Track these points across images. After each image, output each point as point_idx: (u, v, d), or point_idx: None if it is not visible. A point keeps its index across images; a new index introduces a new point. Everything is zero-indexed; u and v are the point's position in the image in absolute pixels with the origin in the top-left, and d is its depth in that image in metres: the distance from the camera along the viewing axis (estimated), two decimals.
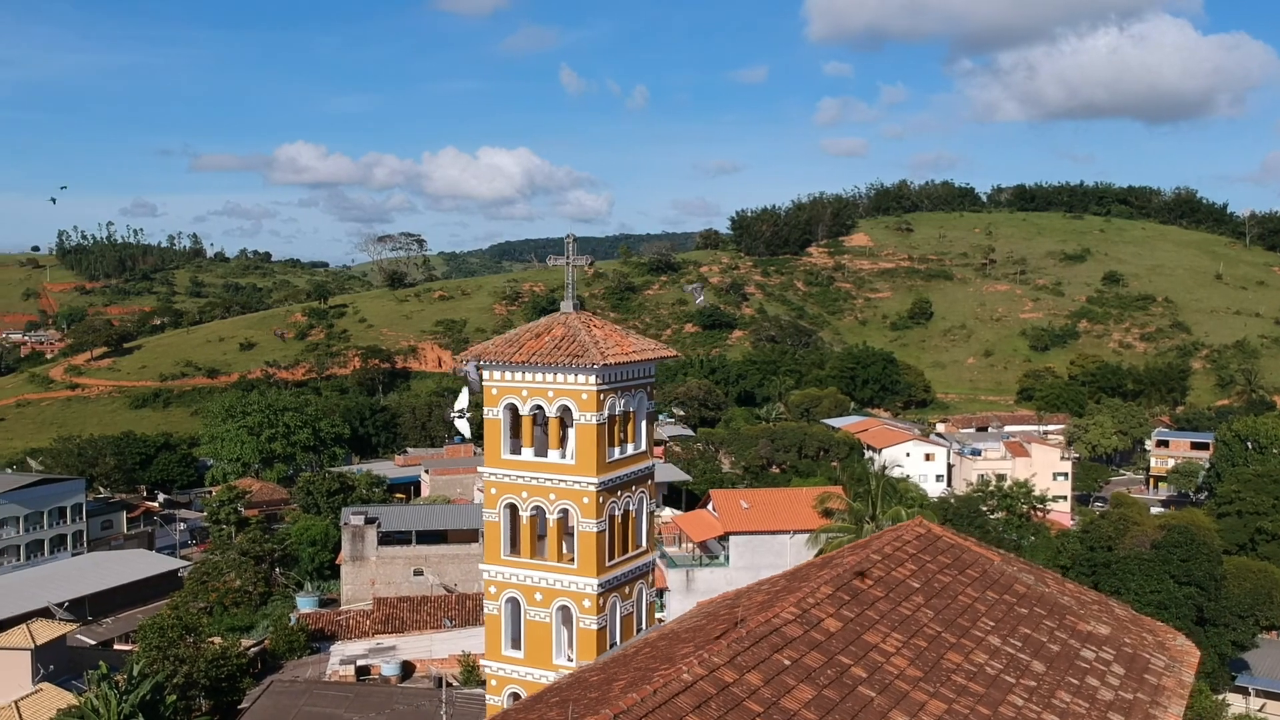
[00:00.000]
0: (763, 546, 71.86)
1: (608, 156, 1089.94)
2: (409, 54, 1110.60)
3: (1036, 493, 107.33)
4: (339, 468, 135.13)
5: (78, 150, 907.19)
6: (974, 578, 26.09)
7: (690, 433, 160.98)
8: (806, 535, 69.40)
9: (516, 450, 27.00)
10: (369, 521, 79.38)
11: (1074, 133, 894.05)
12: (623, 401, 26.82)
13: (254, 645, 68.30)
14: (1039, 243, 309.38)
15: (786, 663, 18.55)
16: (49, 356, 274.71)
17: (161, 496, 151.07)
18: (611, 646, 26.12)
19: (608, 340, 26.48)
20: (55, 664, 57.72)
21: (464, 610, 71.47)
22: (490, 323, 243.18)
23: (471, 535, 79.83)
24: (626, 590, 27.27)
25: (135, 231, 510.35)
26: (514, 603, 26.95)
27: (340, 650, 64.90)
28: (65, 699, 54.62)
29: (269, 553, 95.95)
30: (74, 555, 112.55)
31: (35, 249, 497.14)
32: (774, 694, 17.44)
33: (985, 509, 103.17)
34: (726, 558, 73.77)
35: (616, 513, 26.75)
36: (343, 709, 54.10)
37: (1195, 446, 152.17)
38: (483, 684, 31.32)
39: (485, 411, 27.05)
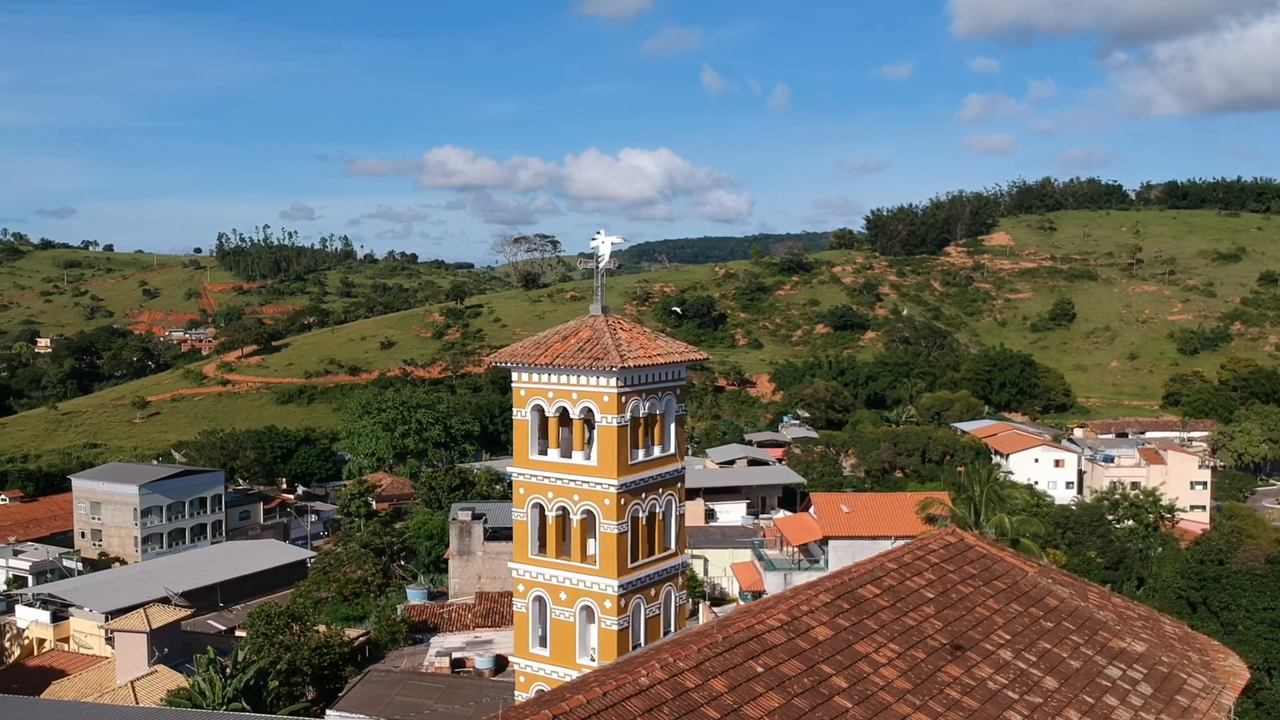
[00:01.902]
0: (862, 552, 70.54)
1: (748, 156, 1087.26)
2: (554, 58, 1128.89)
3: (1165, 501, 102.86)
4: (468, 464, 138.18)
5: (240, 156, 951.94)
6: (1000, 589, 25.37)
7: (814, 435, 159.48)
8: (908, 541, 68.04)
9: (544, 451, 27.43)
10: (476, 517, 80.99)
11: (1236, 127, 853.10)
12: (648, 404, 26.95)
13: (361, 635, 70.49)
14: (1190, 241, 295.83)
15: (759, 670, 18.43)
16: (205, 354, 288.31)
17: (300, 489, 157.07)
18: (635, 649, 26.30)
19: (632, 343, 26.66)
20: (170, 647, 60.63)
21: None
22: None
23: None
24: (652, 592, 27.40)
25: (290, 234, 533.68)
26: (541, 601, 27.39)
27: (439, 642, 66.42)
28: (177, 681, 57.29)
29: (389, 545, 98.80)
30: (212, 544, 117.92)
31: (197, 251, 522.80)
32: (736, 700, 17.35)
33: (1112, 518, 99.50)
34: (826, 562, 72.93)
35: (641, 515, 26.91)
36: (432, 699, 55.45)
37: None
38: None
39: (514, 413, 27.56)
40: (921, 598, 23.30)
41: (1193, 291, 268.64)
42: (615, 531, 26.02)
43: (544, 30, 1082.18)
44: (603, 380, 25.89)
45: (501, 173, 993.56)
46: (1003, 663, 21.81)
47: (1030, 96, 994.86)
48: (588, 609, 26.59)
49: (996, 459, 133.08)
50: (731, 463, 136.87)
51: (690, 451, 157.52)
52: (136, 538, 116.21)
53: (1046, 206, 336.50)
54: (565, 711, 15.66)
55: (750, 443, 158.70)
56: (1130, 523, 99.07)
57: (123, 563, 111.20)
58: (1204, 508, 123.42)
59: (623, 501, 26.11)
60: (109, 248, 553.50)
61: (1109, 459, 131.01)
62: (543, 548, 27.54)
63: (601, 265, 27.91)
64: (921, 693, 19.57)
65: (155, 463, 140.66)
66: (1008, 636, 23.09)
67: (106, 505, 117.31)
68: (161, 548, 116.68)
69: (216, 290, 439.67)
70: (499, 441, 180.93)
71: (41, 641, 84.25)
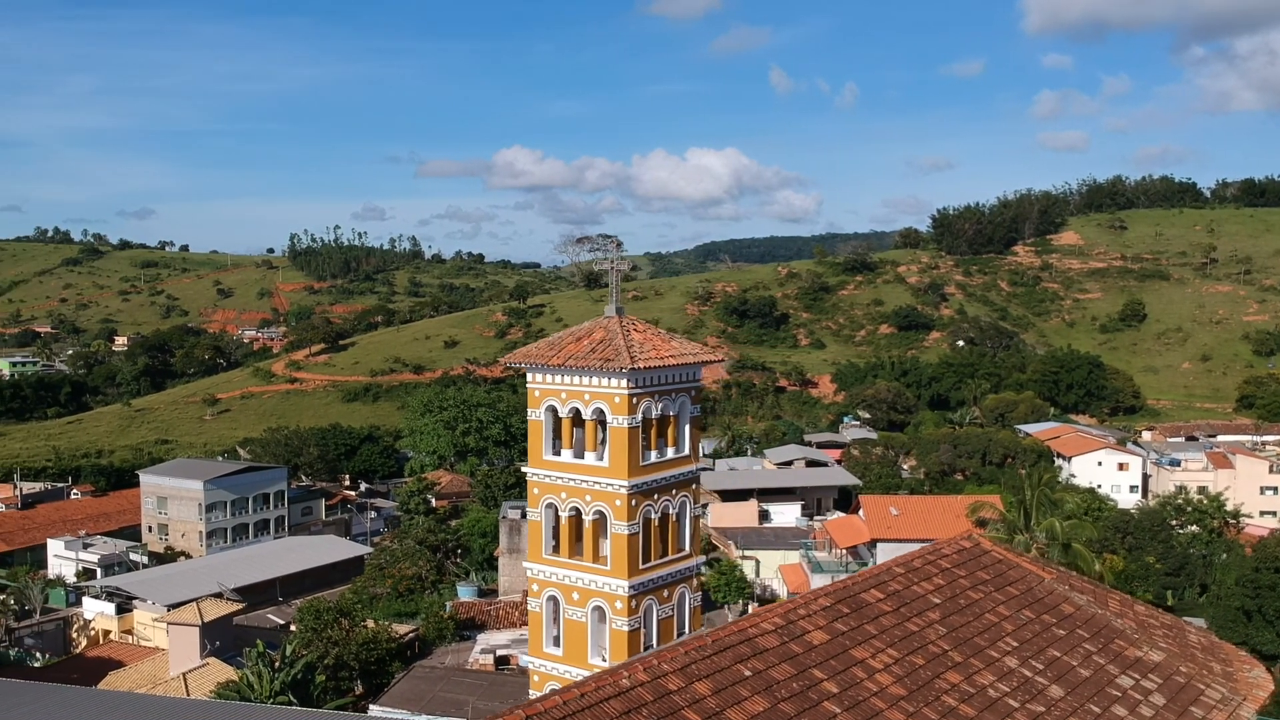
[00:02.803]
0: None
1: (816, 155, 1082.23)
2: (621, 58, 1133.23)
3: (1231, 507, 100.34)
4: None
5: (313, 158, 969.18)
6: (1012, 596, 24.96)
7: (873, 436, 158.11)
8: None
9: (557, 452, 27.58)
10: (525, 515, 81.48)
11: None
12: (660, 405, 26.99)
13: (410, 631, 71.35)
14: (1267, 240, 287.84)
15: (747, 673, 18.32)
16: (274, 352, 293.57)
17: (363, 486, 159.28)
18: (647, 649, 26.34)
19: (644, 344, 26.71)
20: (222, 641, 61.87)
21: None
22: (681, 323, 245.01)
23: None
24: (665, 594, 27.43)
25: (360, 235, 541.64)
26: (554, 601, 27.55)
27: (485, 639, 67.02)
28: (227, 673, 58.39)
29: (443, 542, 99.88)
30: (274, 539, 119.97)
31: (270, 251, 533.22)
32: (720, 704, 17.27)
33: (1175, 523, 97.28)
34: (873, 564, 72.24)
35: (653, 516, 26.95)
36: (475, 696, 55.97)
37: None
38: None
39: (529, 413, 27.76)
40: (927, 603, 23.00)
41: (1269, 291, 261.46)
42: (626, 532, 26.09)
43: (612, 30, 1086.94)
44: (613, 381, 25.98)
45: (569, 173, 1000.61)
46: (1006, 670, 21.47)
47: (1104, 93, 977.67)
48: (599, 609, 26.69)
49: (1059, 462, 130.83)
50: (790, 464, 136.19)
51: (749, 452, 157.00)
52: (201, 532, 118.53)
53: (1117, 205, 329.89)
54: (540, 712, 15.72)
55: (809, 444, 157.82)
56: (1194, 528, 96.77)
57: (188, 557, 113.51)
58: (1275, 514, 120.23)
59: (634, 502, 26.17)
60: (185, 248, 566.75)
61: (1175, 462, 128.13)
62: (557, 548, 27.68)
63: (615, 268, 27.97)
64: (916, 699, 19.32)
65: (220, 459, 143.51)
66: (1015, 644, 22.72)
67: (173, 500, 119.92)
68: (225, 542, 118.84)
69: (288, 290, 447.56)
70: None
71: (107, 633, 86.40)
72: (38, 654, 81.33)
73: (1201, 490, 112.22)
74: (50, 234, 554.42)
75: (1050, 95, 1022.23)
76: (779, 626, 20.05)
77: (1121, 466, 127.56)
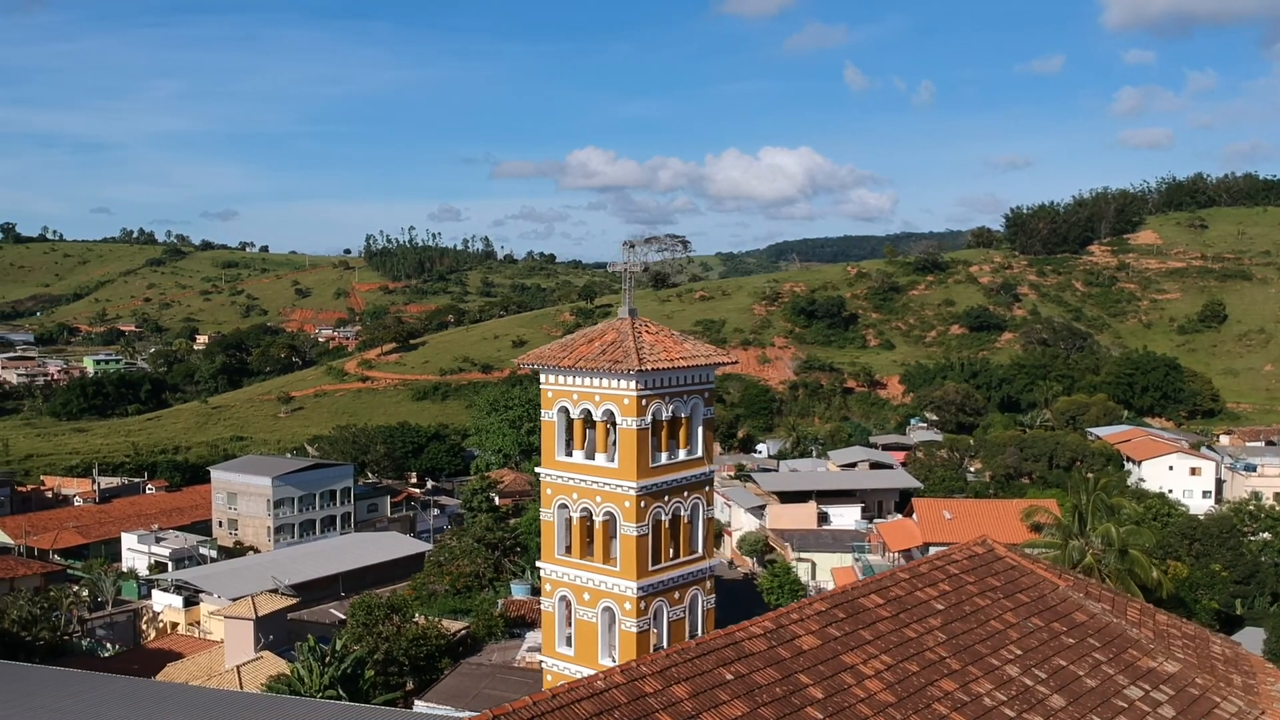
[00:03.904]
0: None
1: (891, 153, 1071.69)
2: (694, 57, 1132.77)
3: None
4: None
5: (391, 159, 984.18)
6: (1022, 603, 24.54)
7: (939, 438, 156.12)
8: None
9: (570, 453, 27.76)
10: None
11: None
12: (671, 407, 27.03)
13: (462, 628, 72.08)
14: None
15: (729, 677, 18.25)
16: (348, 351, 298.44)
17: (429, 484, 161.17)
18: (656, 650, 26.38)
19: (655, 346, 26.78)
20: (276, 634, 63.01)
21: None
22: (748, 323, 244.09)
23: None
24: (676, 595, 27.46)
25: (434, 235, 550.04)
26: (566, 601, 27.73)
27: (533, 638, 67.29)
28: (280, 667, 59.54)
29: (501, 540, 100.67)
30: (340, 535, 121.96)
31: (347, 251, 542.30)
32: (696, 708, 17.22)
33: (1247, 530, 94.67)
34: None
35: (663, 517, 27.00)
36: (518, 693, 56.35)
37: None
38: None
39: (542, 414, 27.98)
40: (929, 609, 22.72)
41: None
42: (635, 534, 26.19)
43: (686, 30, 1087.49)
44: (622, 383, 26.10)
45: (642, 173, 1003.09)
46: (1006, 679, 21.14)
47: (1188, 89, 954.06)
48: (609, 610, 26.81)
49: (1129, 466, 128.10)
50: (853, 465, 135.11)
51: (814, 454, 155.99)
52: (269, 528, 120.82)
53: (1198, 204, 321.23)
54: (509, 712, 15.87)
55: (875, 445, 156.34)
56: (1266, 535, 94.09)
57: (256, 551, 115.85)
58: None
59: (642, 504, 26.26)
60: (265, 249, 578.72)
61: (1250, 468, 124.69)
62: (569, 548, 27.86)
63: (629, 270, 28.07)
64: (905, 707, 19.10)
65: (289, 455, 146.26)
66: (1018, 652, 22.35)
67: (242, 496, 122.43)
68: (293, 538, 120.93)
69: (364, 290, 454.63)
70: None
71: (174, 625, 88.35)
72: (108, 645, 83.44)
73: (1278, 496, 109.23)
74: (135, 235, 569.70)
75: (1132, 92, 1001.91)
76: (768, 630, 19.93)
77: (1194, 471, 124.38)
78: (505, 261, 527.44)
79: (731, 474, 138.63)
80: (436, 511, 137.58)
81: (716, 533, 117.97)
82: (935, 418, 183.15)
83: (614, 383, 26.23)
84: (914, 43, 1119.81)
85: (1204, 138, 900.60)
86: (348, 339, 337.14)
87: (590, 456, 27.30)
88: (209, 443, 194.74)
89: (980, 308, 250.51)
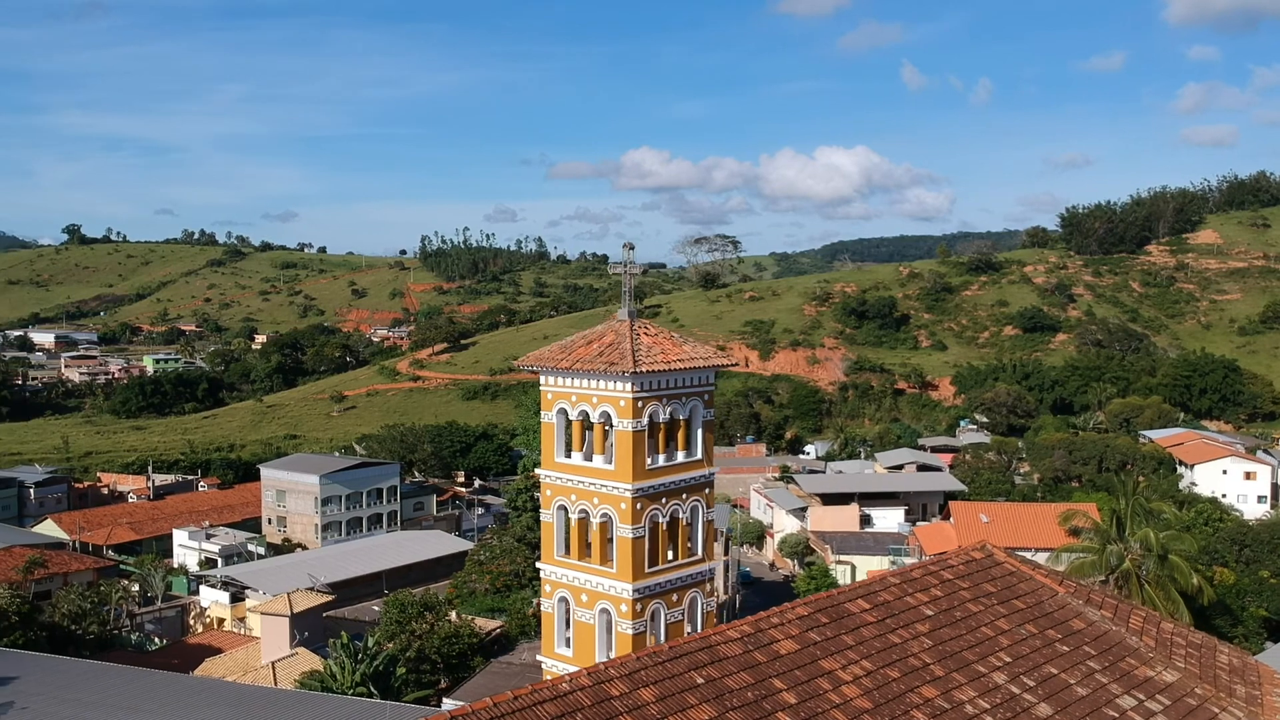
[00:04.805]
0: None
1: (949, 152, 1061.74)
2: (749, 57, 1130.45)
3: None
4: None
5: (447, 161, 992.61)
6: (1016, 609, 24.22)
7: (988, 440, 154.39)
8: (1048, 554, 65.30)
9: (569, 454, 27.89)
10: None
11: None
12: (669, 409, 27.04)
13: (496, 627, 72.63)
14: None
15: (700, 681, 18.18)
16: (401, 351, 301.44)
17: (476, 483, 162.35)
18: None
19: (652, 348, 26.82)
20: (311, 631, 63.91)
21: None
22: (798, 323, 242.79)
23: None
24: (674, 598, 27.48)
25: (488, 236, 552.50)
26: (565, 602, 27.87)
27: None
28: (314, 663, 60.42)
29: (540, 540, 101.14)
30: (386, 533, 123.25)
31: (402, 252, 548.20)
32: (662, 711, 17.16)
33: None
34: None
35: (661, 519, 27.03)
36: None
37: None
38: None
39: (542, 415, 28.15)
40: (917, 615, 22.50)
41: None
42: (631, 536, 26.25)
43: (740, 30, 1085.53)
44: (618, 385, 26.16)
45: (696, 173, 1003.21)
46: (991, 686, 20.88)
47: (1254, 84, 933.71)
48: (606, 612, 26.90)
49: (1180, 469, 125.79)
50: (900, 468, 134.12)
51: (862, 455, 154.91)
52: (317, 525, 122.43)
53: (1261, 202, 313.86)
54: (468, 713, 15.99)
55: (923, 448, 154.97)
56: None
57: (304, 548, 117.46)
58: None
59: (639, 506, 26.31)
60: (323, 250, 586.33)
61: None
62: (568, 549, 28.00)
63: (628, 272, 28.14)
64: (882, 713, 18.92)
65: (337, 454, 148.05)
66: (1008, 659, 22.07)
67: (290, 494, 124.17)
68: (340, 535, 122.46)
69: (419, 290, 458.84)
70: None
71: (221, 620, 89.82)
72: (156, 639, 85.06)
73: None
74: (196, 236, 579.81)
75: (1195, 88, 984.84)
76: (745, 635, 19.81)
77: (1248, 475, 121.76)
78: (558, 262, 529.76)
79: (775, 475, 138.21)
80: (481, 510, 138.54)
81: (759, 534, 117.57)
82: (986, 420, 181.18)
83: (610, 384, 26.31)
84: (972, 40, 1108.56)
85: (1270, 134, 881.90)
86: (402, 339, 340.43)
87: (588, 458, 27.39)
88: (262, 441, 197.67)
89: (1034, 308, 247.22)
